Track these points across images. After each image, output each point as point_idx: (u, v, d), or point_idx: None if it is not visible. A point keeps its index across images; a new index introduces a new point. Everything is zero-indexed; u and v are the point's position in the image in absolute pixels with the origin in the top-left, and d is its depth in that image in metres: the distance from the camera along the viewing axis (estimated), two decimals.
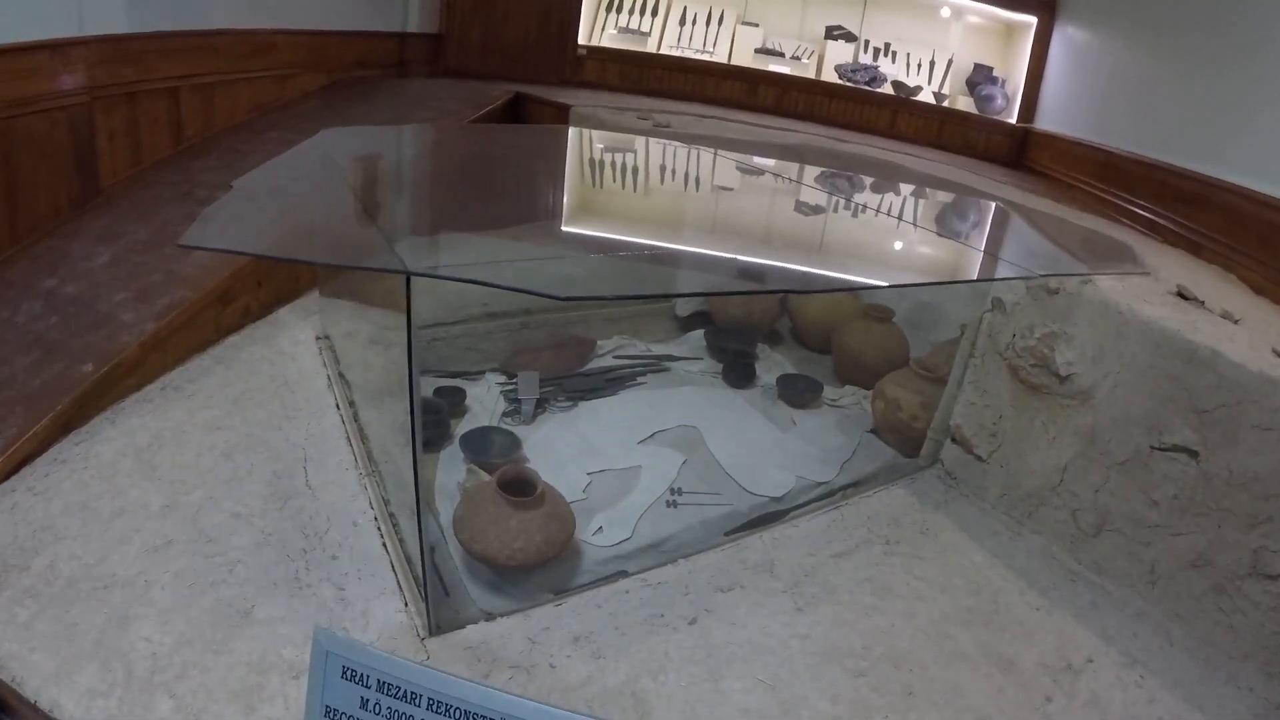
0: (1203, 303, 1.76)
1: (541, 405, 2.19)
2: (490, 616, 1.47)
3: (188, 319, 2.02)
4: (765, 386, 2.46)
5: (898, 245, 2.15)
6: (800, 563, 1.69)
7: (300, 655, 1.33)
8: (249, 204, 1.72)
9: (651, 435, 2.14)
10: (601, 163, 2.85)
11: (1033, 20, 3.73)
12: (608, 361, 2.47)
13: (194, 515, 1.61)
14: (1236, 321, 1.73)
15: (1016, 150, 3.76)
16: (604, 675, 1.38)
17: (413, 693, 1.11)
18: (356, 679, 1.13)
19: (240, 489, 1.68)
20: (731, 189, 2.68)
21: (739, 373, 2.46)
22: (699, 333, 2.67)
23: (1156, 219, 2.59)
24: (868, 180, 2.88)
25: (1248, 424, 1.48)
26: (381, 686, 1.12)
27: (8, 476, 1.65)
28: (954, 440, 2.00)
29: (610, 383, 2.35)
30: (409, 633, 1.41)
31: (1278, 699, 1.48)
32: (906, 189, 2.93)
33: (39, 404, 1.74)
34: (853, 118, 4.04)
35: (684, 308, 2.77)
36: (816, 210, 2.42)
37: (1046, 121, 3.68)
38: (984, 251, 2.11)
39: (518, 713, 1.07)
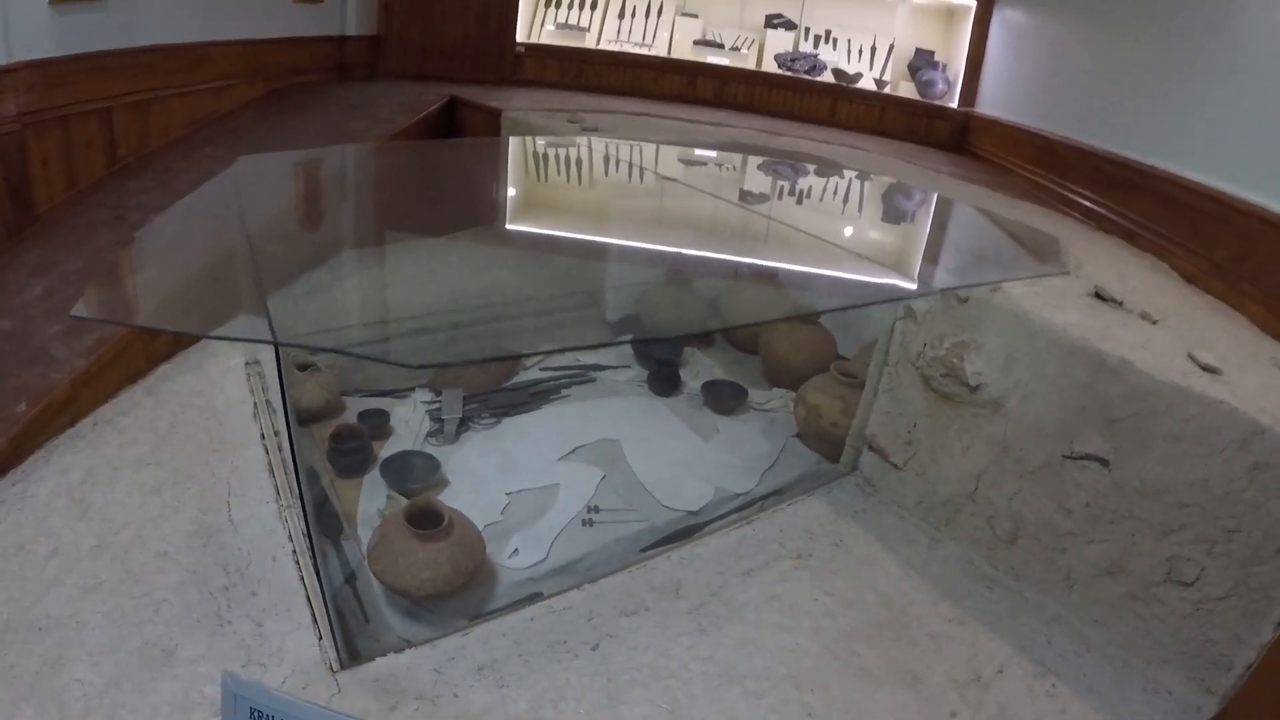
0: (1121, 303, 1.86)
1: (465, 424, 2.32)
2: (407, 644, 1.60)
3: (117, 353, 2.15)
4: (691, 393, 2.59)
5: (808, 258, 2.29)
6: (708, 582, 1.81)
7: (218, 694, 1.46)
8: (149, 258, 1.87)
9: (572, 451, 2.27)
10: (523, 173, 3.01)
11: (972, 4, 3.87)
12: (534, 374, 2.60)
13: (123, 555, 1.74)
14: (1155, 323, 1.83)
15: (958, 135, 3.91)
16: (506, 704, 1.50)
17: None
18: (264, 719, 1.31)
19: (167, 526, 1.81)
20: (648, 196, 2.82)
21: (664, 380, 2.59)
22: (626, 340, 2.81)
23: (1093, 206, 2.70)
24: (788, 183, 3.01)
25: (1159, 433, 1.58)
26: None
27: None
28: (870, 448, 2.11)
29: (535, 396, 2.47)
30: (321, 667, 1.53)
31: (1194, 701, 1.59)
32: (830, 188, 3.05)
33: None
34: (793, 108, 4.18)
35: (614, 312, 2.91)
36: (724, 223, 2.57)
37: (987, 106, 3.81)
38: (893, 267, 2.23)
39: None
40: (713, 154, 3.49)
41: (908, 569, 1.88)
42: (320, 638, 1.61)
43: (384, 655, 1.59)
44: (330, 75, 4.27)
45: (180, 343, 2.39)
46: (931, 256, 2.27)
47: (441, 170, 3.02)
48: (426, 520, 1.74)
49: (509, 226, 2.74)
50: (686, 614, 1.73)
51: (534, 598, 1.77)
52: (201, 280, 1.77)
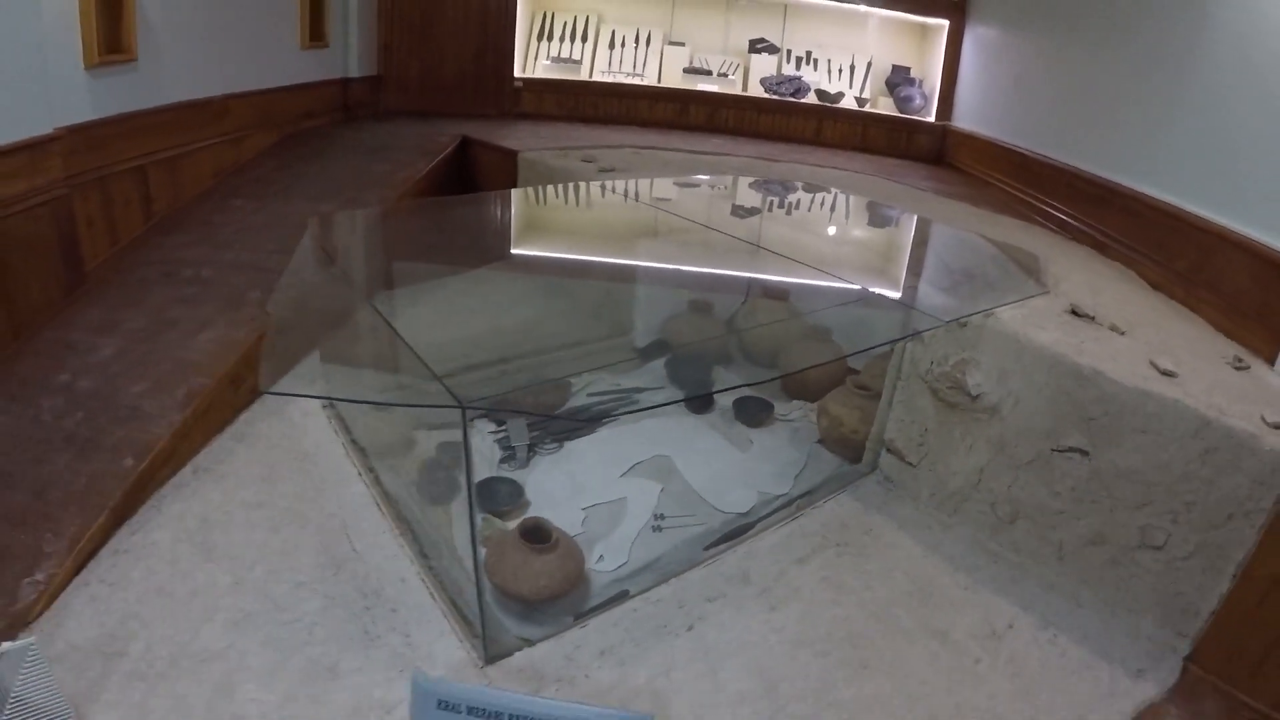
0: (1093, 318, 2.34)
1: (532, 449, 2.69)
2: (529, 643, 1.97)
3: (208, 405, 2.42)
4: (723, 410, 3.00)
5: (821, 291, 2.73)
6: (769, 570, 2.22)
7: (386, 695, 1.78)
8: (294, 331, 2.17)
9: (630, 468, 2.64)
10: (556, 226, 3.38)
11: (945, 22, 4.31)
12: (582, 400, 2.98)
13: (262, 588, 2.01)
14: (1123, 334, 2.29)
15: (937, 148, 4.36)
16: (628, 679, 1.88)
17: (495, 711, 1.63)
18: (450, 708, 1.64)
19: (295, 560, 2.11)
20: (667, 233, 3.26)
21: (699, 400, 2.99)
22: (659, 362, 3.20)
23: (1067, 219, 3.18)
24: (793, 213, 3.46)
25: (1127, 428, 2.03)
26: (471, 710, 1.63)
27: (78, 571, 1.99)
28: (888, 450, 2.57)
29: (587, 421, 2.86)
30: (469, 665, 1.87)
31: (1170, 642, 2.04)
32: (836, 218, 3.51)
33: (91, 501, 2.09)
34: (781, 129, 4.62)
35: (642, 339, 3.31)
36: (739, 256, 2.99)
37: (963, 120, 4.27)
38: (899, 297, 2.67)
39: (573, 714, 1.60)
40: (722, 188, 3.89)
41: (927, 550, 2.33)
42: (461, 641, 1.94)
43: (519, 650, 1.95)
44: (337, 116, 4.59)
45: (257, 390, 2.66)
46: (935, 283, 2.73)
47: (481, 222, 3.37)
48: (537, 536, 2.09)
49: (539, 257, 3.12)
50: (756, 596, 2.14)
51: (622, 595, 2.15)
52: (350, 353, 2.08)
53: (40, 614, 1.88)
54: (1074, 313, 2.37)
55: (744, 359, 3.32)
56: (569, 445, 2.75)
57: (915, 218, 3.29)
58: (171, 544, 2.13)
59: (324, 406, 2.70)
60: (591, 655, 1.95)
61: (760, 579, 2.21)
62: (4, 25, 2.45)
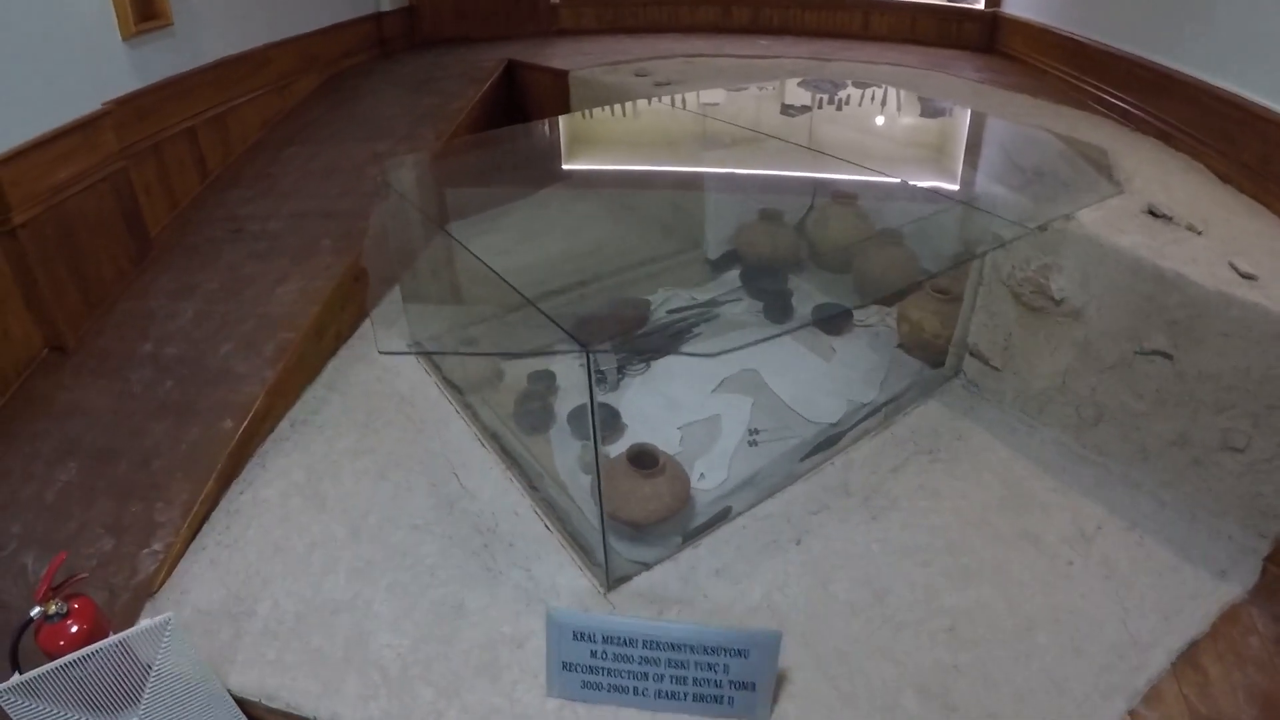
0: (1170, 218, 2.40)
1: (620, 371, 2.80)
2: (646, 566, 2.11)
3: (297, 359, 2.54)
4: (802, 318, 3.09)
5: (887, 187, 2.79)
6: (867, 480, 2.36)
7: (515, 629, 1.93)
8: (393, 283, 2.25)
9: (720, 383, 2.76)
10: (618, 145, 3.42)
11: None
12: (662, 317, 3.08)
13: (379, 535, 2.16)
14: (1200, 233, 2.35)
15: (988, 36, 4.27)
16: (744, 596, 2.03)
17: (629, 638, 1.78)
18: (585, 637, 1.80)
19: (408, 504, 2.25)
20: (727, 145, 3.31)
21: (778, 310, 3.08)
22: (734, 273, 3.28)
23: (1129, 108, 3.16)
24: (849, 114, 3.45)
25: (1210, 331, 2.10)
26: (606, 639, 1.79)
27: (194, 537, 2.13)
28: (971, 354, 2.67)
29: (672, 339, 2.95)
30: (594, 593, 2.02)
31: (1251, 544, 2.16)
32: (892, 118, 3.50)
33: (196, 466, 2.22)
34: (827, 25, 4.57)
35: (713, 250, 3.38)
36: (800, 160, 3.04)
37: (1014, 6, 4.18)
38: (973, 198, 2.71)
39: (704, 636, 1.75)
40: (776, 92, 3.88)
41: (1015, 453, 2.46)
42: (581, 570, 2.09)
43: (639, 574, 2.09)
44: (374, 52, 4.68)
45: (341, 337, 2.77)
46: (1008, 183, 2.77)
47: (542, 148, 3.41)
48: (645, 461, 2.21)
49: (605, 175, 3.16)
50: (858, 507, 2.29)
51: (725, 512, 2.28)
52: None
53: (163, 583, 2.01)
54: (1151, 213, 2.42)
55: (816, 266, 3.39)
56: (657, 365, 2.87)
57: (979, 114, 3.29)
58: (282, 500, 2.27)
59: (409, 346, 2.80)
60: (707, 575, 2.10)
61: (859, 489, 2.35)
62: (45, 8, 2.53)
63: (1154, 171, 2.70)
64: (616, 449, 2.48)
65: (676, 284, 3.25)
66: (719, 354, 2.81)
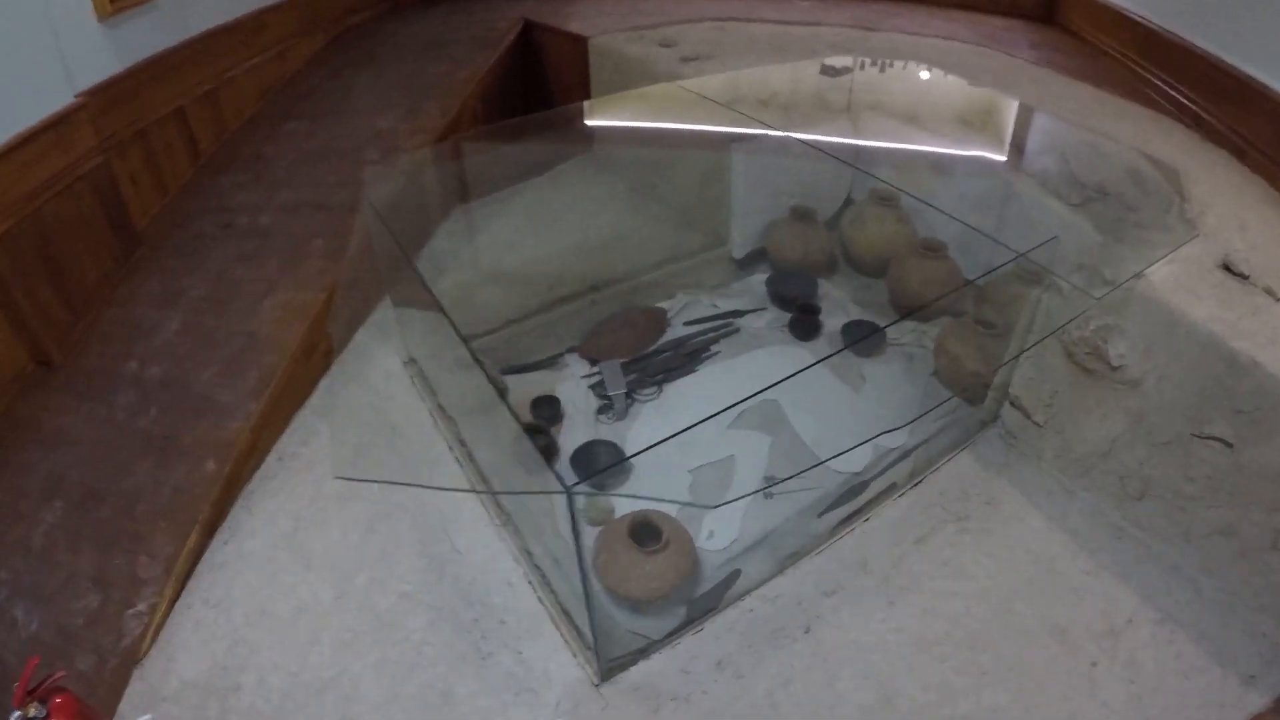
0: (1248, 277, 2.18)
1: (629, 397, 2.68)
2: (644, 652, 2.04)
3: (283, 387, 2.45)
4: (831, 335, 2.92)
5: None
6: (888, 553, 2.26)
7: None
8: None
9: (737, 416, 2.61)
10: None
11: None
12: (678, 330, 2.92)
13: (366, 601, 2.11)
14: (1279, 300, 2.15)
15: (1047, 5, 3.87)
16: (746, 693, 1.97)
17: None
18: None
19: (395, 565, 2.19)
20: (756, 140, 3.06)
21: (805, 326, 2.91)
22: (760, 279, 3.09)
23: (1201, 113, 2.83)
24: (892, 105, 3.17)
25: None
26: None
27: (178, 595, 2.09)
28: (1013, 405, 2.51)
29: (688, 357, 2.81)
30: (586, 684, 1.97)
31: None
32: (939, 111, 3.19)
33: (179, 515, 2.18)
34: None
35: (739, 249, 3.17)
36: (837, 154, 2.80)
37: None
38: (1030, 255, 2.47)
39: None
40: (813, 74, 3.57)
41: (1050, 523, 2.33)
42: (575, 655, 2.03)
43: (635, 664, 2.02)
44: (381, 8, 4.35)
45: (331, 352, 2.65)
46: (1072, 201, 2.54)
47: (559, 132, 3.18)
48: (647, 533, 2.13)
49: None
50: (876, 588, 2.19)
51: (734, 576, 2.19)
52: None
53: (149, 649, 2.00)
54: (1226, 269, 2.20)
55: (852, 270, 3.18)
56: (669, 389, 2.74)
57: (1039, 113, 2.97)
58: (267, 552, 2.23)
59: (405, 365, 2.67)
60: (708, 667, 2.03)
61: (879, 565, 2.25)
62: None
63: (1229, 205, 2.44)
64: (620, 500, 2.38)
65: (697, 286, 3.07)
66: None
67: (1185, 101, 2.93)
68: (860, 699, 1.96)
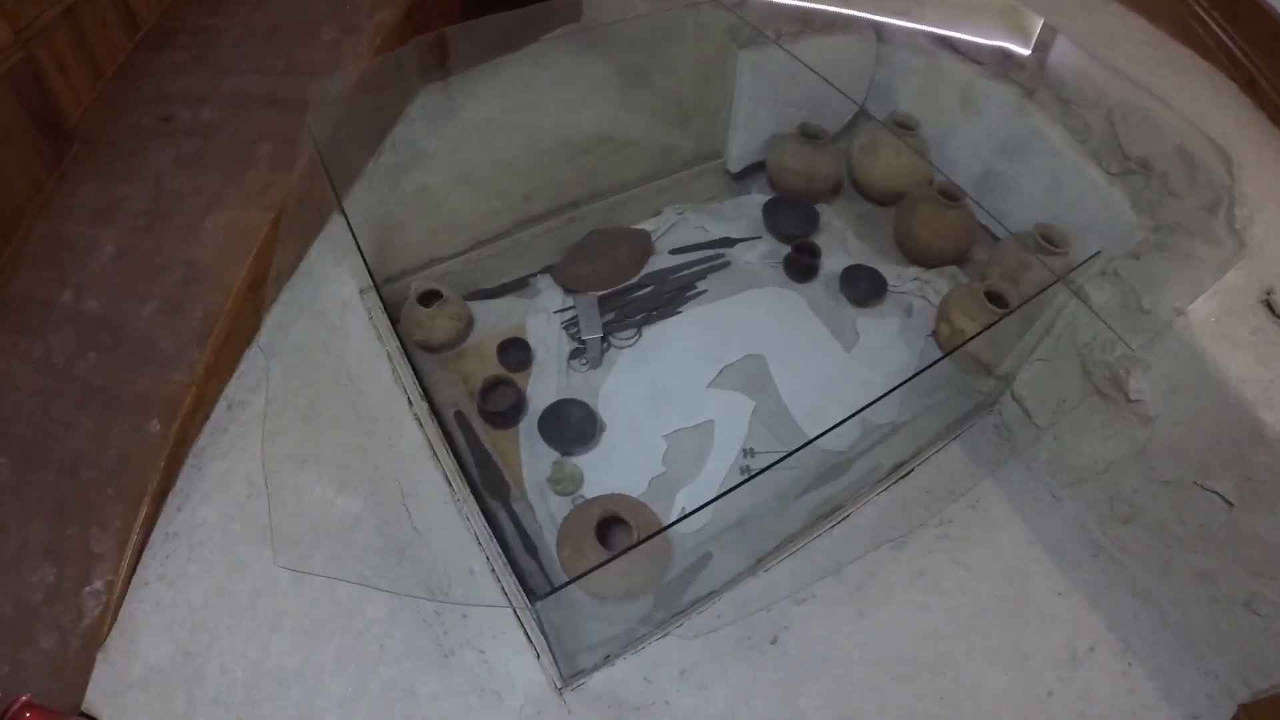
0: None
1: (605, 341, 2.49)
2: (609, 660, 2.01)
3: (228, 330, 2.22)
4: (828, 278, 2.70)
5: None
6: (864, 560, 2.20)
7: None
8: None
9: (720, 373, 2.47)
10: None
11: None
12: (663, 259, 2.68)
13: (325, 586, 2.03)
14: None
15: None
16: (707, 705, 1.97)
17: None
18: None
19: (354, 544, 2.10)
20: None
21: (801, 267, 2.68)
22: (756, 200, 2.81)
23: (1257, 77, 2.45)
24: None
25: None
26: None
27: (134, 570, 2.01)
28: (1014, 398, 2.38)
29: (671, 296, 2.60)
30: (549, 689, 1.95)
31: (1232, 687, 2.07)
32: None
33: (127, 481, 2.06)
34: None
35: (737, 163, 2.84)
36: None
37: None
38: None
39: None
40: None
41: (1031, 535, 2.28)
42: (539, 656, 2.00)
43: (598, 670, 2.00)
44: None
45: (282, 277, 2.40)
46: (1111, 170, 2.29)
47: None
48: (615, 532, 2.06)
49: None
50: (847, 598, 2.16)
51: (704, 560, 2.13)
52: None
53: (110, 630, 1.96)
54: (1268, 306, 2.02)
55: (859, 197, 2.89)
56: (649, 333, 2.55)
57: (1089, 59, 2.57)
58: (222, 522, 2.13)
59: (362, 292, 2.45)
60: (671, 676, 2.02)
61: (853, 571, 2.20)
62: None
63: (1279, 211, 2.20)
64: (590, 461, 2.29)
65: (687, 198, 2.78)
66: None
67: (1239, 55, 2.54)
68: (819, 717, 1.99)
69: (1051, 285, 2.08)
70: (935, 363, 2.11)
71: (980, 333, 2.15)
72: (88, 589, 1.96)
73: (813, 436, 1.90)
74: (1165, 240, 2.18)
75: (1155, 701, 2.08)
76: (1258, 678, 2.06)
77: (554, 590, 1.65)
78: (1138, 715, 2.05)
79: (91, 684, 1.90)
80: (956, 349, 2.24)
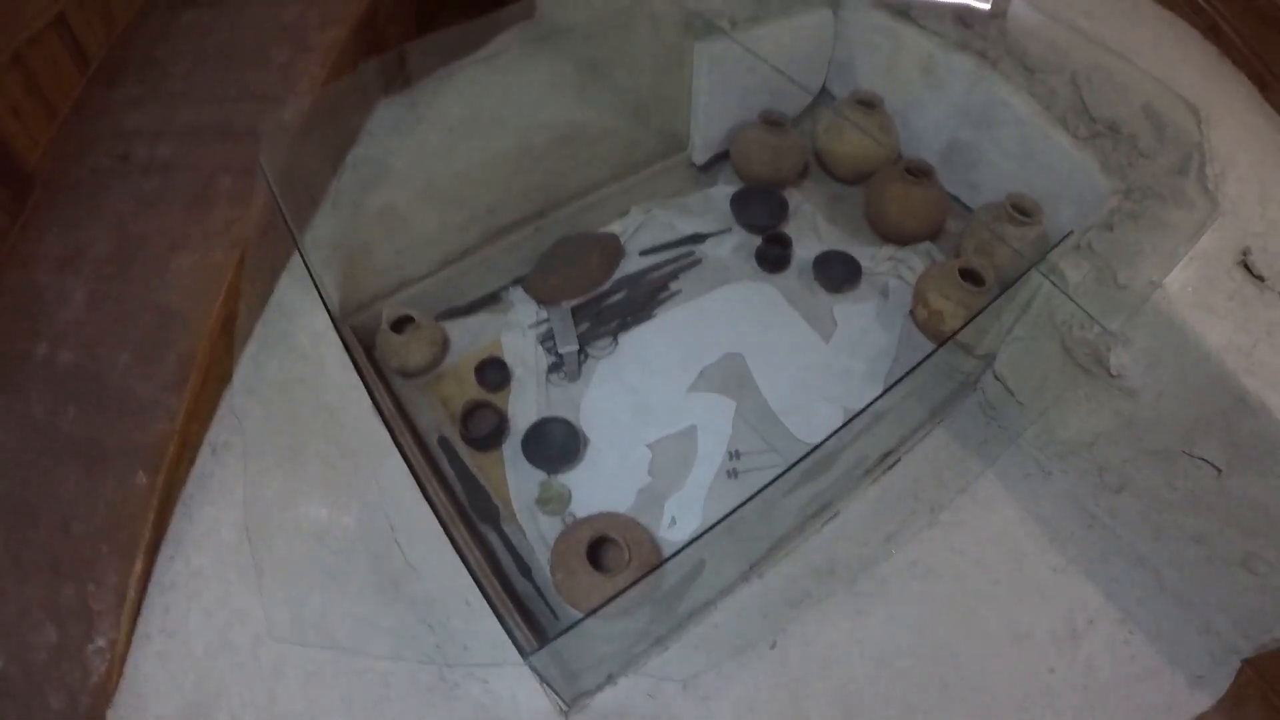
0: (1264, 279, 1.98)
1: (582, 352, 2.46)
2: (611, 679, 2.01)
3: (204, 372, 2.21)
4: (801, 266, 2.67)
5: None
6: (857, 554, 2.20)
7: None
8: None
9: (699, 375, 2.44)
10: None
11: None
12: (633, 262, 2.65)
13: (323, 626, 2.03)
14: None
15: None
16: (713, 716, 1.98)
17: None
18: None
19: (349, 585, 2.09)
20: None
21: (773, 258, 2.64)
22: (723, 190, 2.77)
23: (1219, 21, 2.39)
24: None
25: (1276, 471, 1.87)
26: None
27: (134, 624, 2.02)
28: (996, 377, 2.36)
29: (645, 300, 2.56)
30: (553, 714, 1.96)
31: (1234, 643, 2.10)
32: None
33: (120, 536, 2.06)
34: None
35: (701, 155, 2.80)
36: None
37: None
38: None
39: None
40: None
41: (1024, 513, 2.28)
42: (542, 682, 2.00)
43: (601, 690, 2.00)
44: None
45: (253, 313, 2.38)
46: (1080, 135, 2.26)
47: None
48: (605, 552, 2.05)
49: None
50: (842, 595, 2.16)
51: (699, 567, 2.11)
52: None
53: (117, 685, 1.97)
54: (1245, 267, 2.00)
55: (827, 179, 2.84)
56: (625, 340, 2.52)
57: (1052, 20, 2.51)
58: (216, 570, 2.13)
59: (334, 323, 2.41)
60: (674, 690, 2.03)
61: (846, 568, 2.20)
62: None
63: (1251, 164, 2.15)
64: (576, 478, 2.27)
65: (654, 195, 2.73)
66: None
67: (1200, 1, 2.48)
68: (824, 717, 1.99)
69: (1026, 272, 2.05)
70: (928, 356, 2.06)
71: (967, 323, 2.12)
72: (91, 646, 1.97)
73: (814, 446, 1.87)
74: (1138, 208, 2.15)
75: (1159, 667, 2.09)
76: (1259, 632, 2.07)
77: (545, 644, 1.64)
78: (1141, 682, 2.07)
79: None
80: (946, 341, 2.20)
